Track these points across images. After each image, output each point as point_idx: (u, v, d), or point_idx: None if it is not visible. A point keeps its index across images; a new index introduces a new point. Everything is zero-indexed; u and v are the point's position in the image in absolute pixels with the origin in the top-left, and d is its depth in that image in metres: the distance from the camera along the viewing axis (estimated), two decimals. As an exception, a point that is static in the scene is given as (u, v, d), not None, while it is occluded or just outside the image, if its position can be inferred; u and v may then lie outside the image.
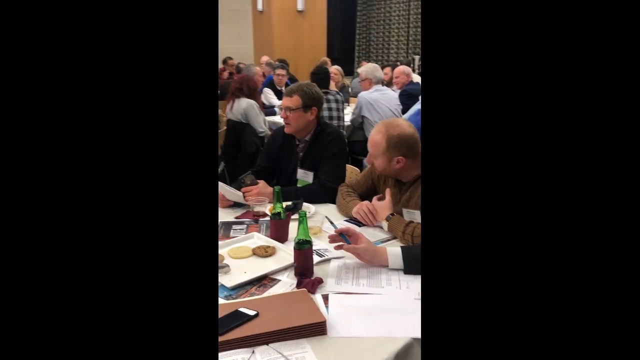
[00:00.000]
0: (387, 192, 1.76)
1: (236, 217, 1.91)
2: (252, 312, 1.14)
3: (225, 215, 1.92)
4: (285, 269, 1.44)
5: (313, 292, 1.29)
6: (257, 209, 1.88)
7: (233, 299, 1.27)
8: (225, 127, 4.15)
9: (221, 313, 1.13)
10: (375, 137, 1.74)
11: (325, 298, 1.27)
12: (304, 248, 1.36)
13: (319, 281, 1.34)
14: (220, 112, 5.18)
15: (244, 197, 1.95)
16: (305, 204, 1.92)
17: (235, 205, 2.00)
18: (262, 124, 3.97)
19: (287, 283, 1.36)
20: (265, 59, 7.10)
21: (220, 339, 1.04)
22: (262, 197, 1.93)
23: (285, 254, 1.52)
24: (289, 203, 1.84)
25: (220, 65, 8.13)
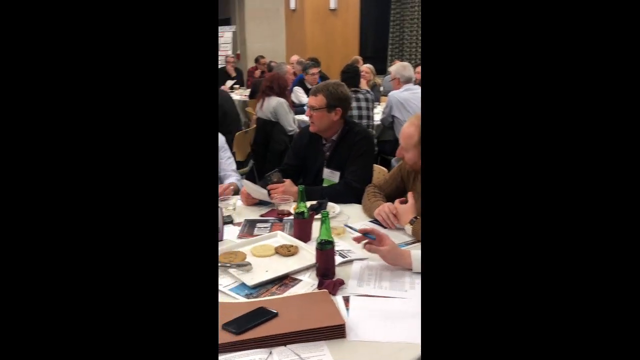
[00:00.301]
0: (410, 195, 1.73)
1: (261, 215, 1.91)
2: (272, 311, 1.13)
3: (250, 213, 1.93)
4: (307, 269, 1.43)
5: (334, 294, 1.27)
6: (282, 207, 1.87)
7: (254, 297, 1.27)
8: (255, 126, 4.17)
9: (241, 312, 1.13)
10: (407, 129, 1.70)
11: (346, 300, 1.25)
12: (326, 248, 1.34)
13: (341, 282, 1.32)
14: (250, 110, 5.23)
15: (269, 194, 1.95)
16: (330, 204, 1.90)
17: (261, 203, 2.01)
18: (292, 122, 3.97)
19: (308, 283, 1.35)
20: (295, 58, 7.09)
21: (238, 338, 1.04)
22: (287, 195, 1.92)
23: (308, 253, 1.51)
24: (314, 202, 1.82)
25: (252, 64, 8.21)
